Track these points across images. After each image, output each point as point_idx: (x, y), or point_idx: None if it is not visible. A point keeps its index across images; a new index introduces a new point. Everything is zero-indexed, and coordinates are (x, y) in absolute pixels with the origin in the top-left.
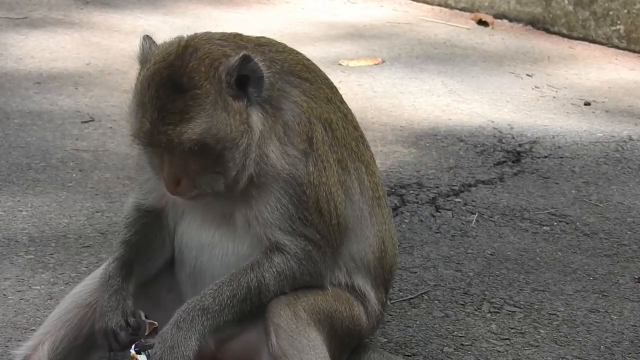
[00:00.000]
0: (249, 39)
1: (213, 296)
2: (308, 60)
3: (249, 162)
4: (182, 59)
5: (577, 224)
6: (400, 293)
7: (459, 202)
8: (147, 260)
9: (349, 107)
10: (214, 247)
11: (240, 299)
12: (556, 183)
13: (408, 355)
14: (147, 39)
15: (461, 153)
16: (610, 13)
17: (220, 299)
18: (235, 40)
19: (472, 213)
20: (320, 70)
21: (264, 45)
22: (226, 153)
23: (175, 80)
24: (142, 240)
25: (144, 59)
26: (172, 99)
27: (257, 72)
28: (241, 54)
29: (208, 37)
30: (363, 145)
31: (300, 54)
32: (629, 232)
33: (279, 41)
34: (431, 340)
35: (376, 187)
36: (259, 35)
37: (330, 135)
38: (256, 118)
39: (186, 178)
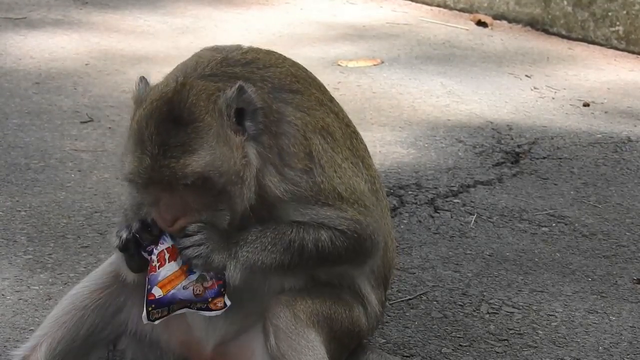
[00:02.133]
0: (235, 62)
1: (256, 235)
2: (294, 66)
3: (251, 196)
4: (181, 95)
5: (576, 224)
6: (399, 294)
7: (457, 202)
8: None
9: (341, 105)
10: None
11: (280, 249)
12: (555, 184)
13: (406, 356)
14: (142, 80)
15: (460, 154)
16: (610, 14)
17: (262, 240)
18: (223, 68)
19: (471, 214)
20: (307, 74)
21: (251, 63)
22: (230, 188)
23: (175, 114)
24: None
25: (139, 99)
26: (173, 133)
27: (252, 105)
28: (237, 85)
29: (198, 73)
30: (357, 139)
31: (286, 60)
32: (627, 233)
33: (264, 49)
34: (429, 341)
35: (373, 180)
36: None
37: (330, 140)
38: (253, 151)
39: (185, 217)
